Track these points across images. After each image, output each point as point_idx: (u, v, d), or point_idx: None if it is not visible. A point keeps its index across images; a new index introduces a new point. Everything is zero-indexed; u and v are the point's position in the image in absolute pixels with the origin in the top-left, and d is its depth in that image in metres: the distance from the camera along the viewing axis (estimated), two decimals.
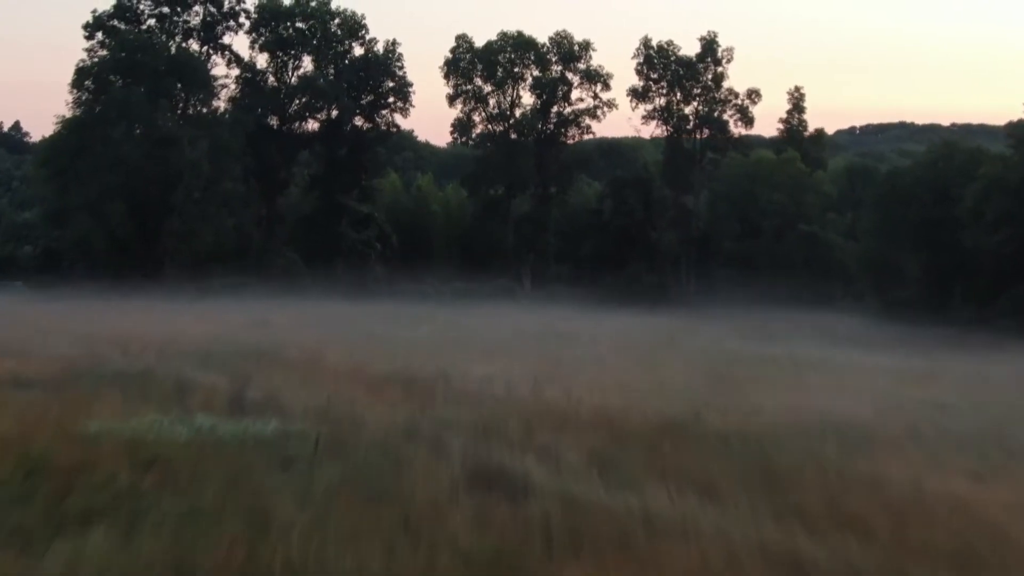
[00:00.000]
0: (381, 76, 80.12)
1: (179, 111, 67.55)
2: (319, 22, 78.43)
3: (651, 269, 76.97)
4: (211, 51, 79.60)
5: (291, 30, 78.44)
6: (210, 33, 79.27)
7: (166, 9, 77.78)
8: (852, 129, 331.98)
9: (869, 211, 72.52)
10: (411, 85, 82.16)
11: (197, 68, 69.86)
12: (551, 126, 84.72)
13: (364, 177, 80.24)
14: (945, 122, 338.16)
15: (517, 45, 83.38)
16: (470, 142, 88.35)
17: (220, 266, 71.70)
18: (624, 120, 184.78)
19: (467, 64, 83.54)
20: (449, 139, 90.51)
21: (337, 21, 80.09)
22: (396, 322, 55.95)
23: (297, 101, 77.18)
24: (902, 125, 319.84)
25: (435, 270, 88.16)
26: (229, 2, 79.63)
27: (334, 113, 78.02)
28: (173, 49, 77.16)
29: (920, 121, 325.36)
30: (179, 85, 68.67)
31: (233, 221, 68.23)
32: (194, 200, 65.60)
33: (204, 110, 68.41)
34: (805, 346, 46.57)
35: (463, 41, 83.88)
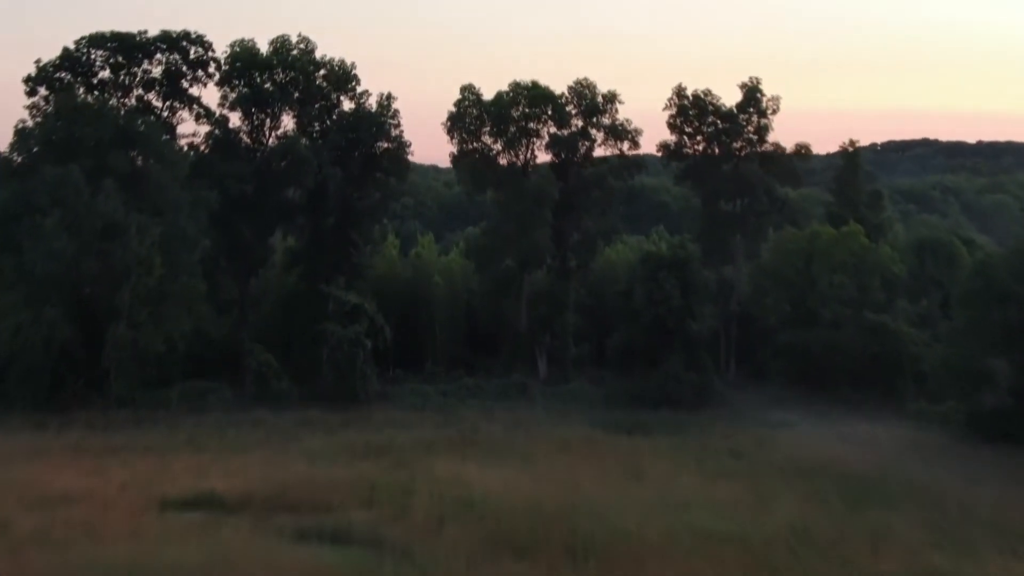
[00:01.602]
0: (374, 136, 68.55)
1: (128, 192, 55.87)
2: (301, 74, 66.85)
3: (691, 365, 65.30)
4: (176, 104, 68.45)
5: (268, 83, 66.86)
6: (174, 86, 67.92)
7: (122, 58, 66.59)
8: (873, 146, 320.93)
9: (955, 307, 60.96)
10: (409, 145, 70.70)
11: (152, 138, 58.30)
12: (571, 189, 73.08)
13: (353, 254, 68.69)
14: (971, 139, 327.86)
15: (533, 97, 71.73)
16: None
17: (180, 368, 60.39)
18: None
19: (474, 119, 71.95)
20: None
21: (323, 72, 68.51)
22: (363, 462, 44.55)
23: (275, 166, 65.51)
24: (926, 143, 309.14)
25: (438, 352, 77.04)
26: (196, 50, 68.32)
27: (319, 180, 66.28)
28: (131, 106, 66.15)
29: (944, 138, 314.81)
30: (130, 158, 57.01)
31: (192, 323, 56.65)
32: (143, 301, 54.14)
33: (159, 189, 56.68)
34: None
35: (469, 93, 72.27)
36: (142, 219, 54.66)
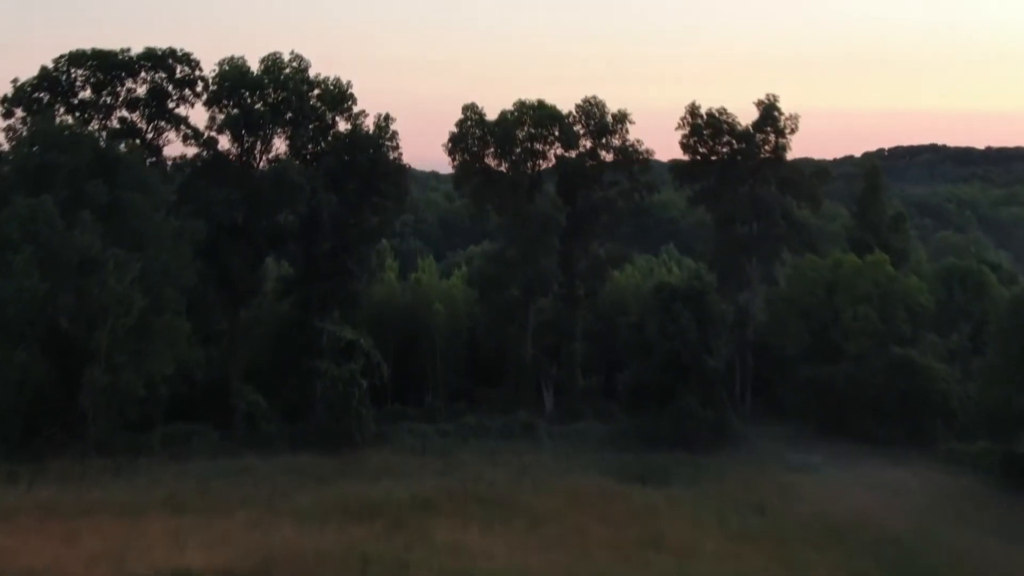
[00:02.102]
0: (371, 158, 64.75)
1: (106, 223, 52.14)
2: (294, 94, 63.03)
3: (707, 402, 61.53)
4: (162, 125, 64.83)
5: (259, 104, 63.07)
6: (159, 106, 64.25)
7: (104, 77, 62.95)
8: (880, 152, 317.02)
9: (988, 341, 57.22)
10: (407, 169, 66.84)
11: (133, 165, 54.56)
12: (578, 213, 69.33)
13: (349, 283, 64.93)
14: (979, 145, 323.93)
15: (539, 117, 67.96)
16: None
17: (163, 408, 56.69)
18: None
19: (477, 140, 68.20)
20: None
21: (317, 92, 64.72)
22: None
23: (266, 191, 61.62)
24: (933, 148, 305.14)
25: (438, 383, 73.30)
26: (182, 69, 64.63)
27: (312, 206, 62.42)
28: (113, 128, 62.50)
29: (952, 143, 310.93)
30: (109, 187, 53.19)
31: (175, 365, 52.91)
32: (122, 342, 50.42)
33: (140, 221, 52.94)
34: None
35: (472, 113, 68.51)
36: (121, 254, 50.86)
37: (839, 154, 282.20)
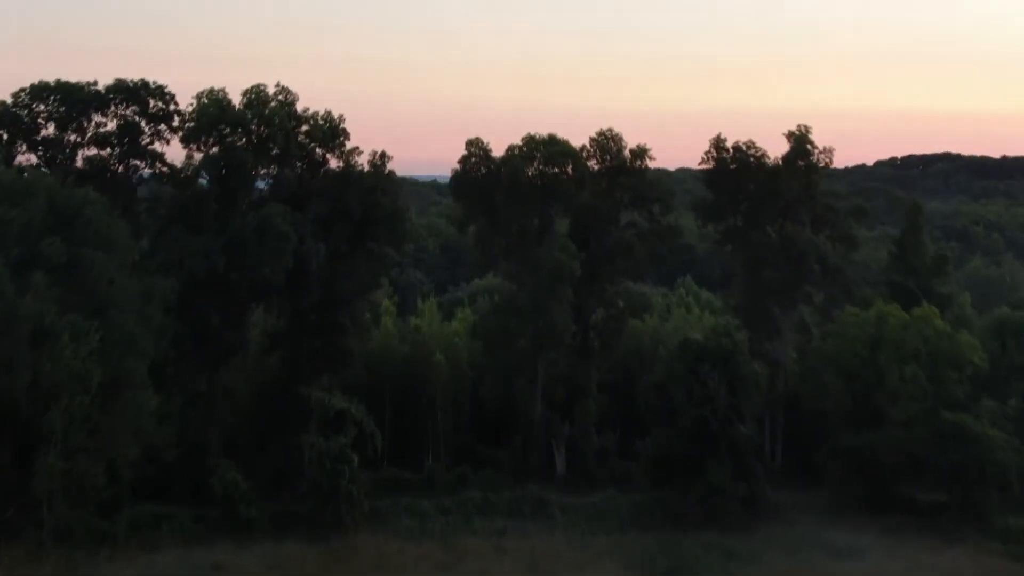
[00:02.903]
0: (364, 201, 58.58)
1: (63, 286, 46.00)
2: (280, 130, 56.84)
3: (738, 474, 55.36)
4: (134, 163, 58.93)
5: (241, 141, 56.94)
6: (131, 144, 58.27)
7: (70, 112, 57.02)
8: (893, 160, 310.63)
9: None
10: (407, 210, 60.76)
11: (94, 219, 48.38)
12: (593, 258, 63.15)
13: (340, 339, 58.82)
14: (995, 153, 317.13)
15: (550, 154, 61.76)
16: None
17: (129, 489, 50.57)
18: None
19: (482, 178, 62.03)
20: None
21: (305, 128, 58.59)
22: None
23: (248, 240, 55.43)
24: (948, 157, 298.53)
25: (439, 441, 67.13)
26: (156, 103, 58.61)
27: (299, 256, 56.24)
28: (80, 169, 56.56)
29: (967, 152, 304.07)
30: (67, 244, 47.02)
31: (140, 447, 46.80)
32: (79, 424, 44.28)
33: (101, 282, 46.81)
34: None
35: (476, 149, 62.35)
36: (79, 321, 44.73)
37: (850, 162, 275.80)
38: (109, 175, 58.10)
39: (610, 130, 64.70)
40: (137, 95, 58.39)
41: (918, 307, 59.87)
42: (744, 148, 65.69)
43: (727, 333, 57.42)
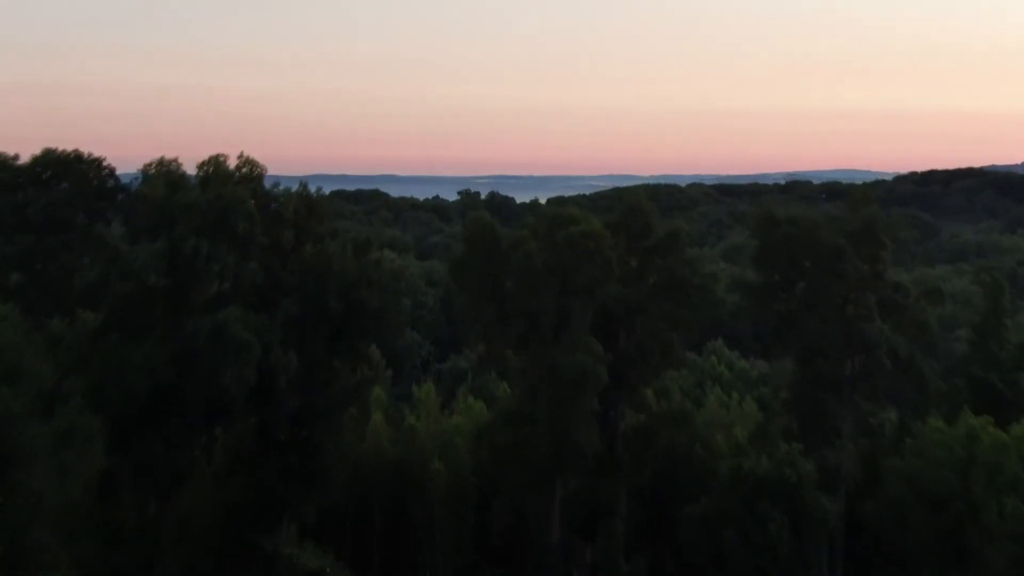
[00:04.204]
0: (346, 294, 48.35)
1: None
2: (242, 214, 46.58)
3: None
4: (68, 248, 48.83)
5: (197, 222, 46.68)
6: (62, 228, 48.16)
7: None
8: (913, 175, 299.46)
9: None
10: (400, 299, 50.56)
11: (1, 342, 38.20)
12: (620, 355, 52.89)
13: (315, 458, 48.65)
14: (1019, 165, 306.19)
15: (570, 236, 51.33)
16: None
17: None
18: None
19: (488, 264, 51.72)
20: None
21: (274, 206, 48.44)
22: None
23: (203, 348, 45.18)
24: (971, 173, 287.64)
25: (437, 563, 57.02)
26: (94, 177, 48.60)
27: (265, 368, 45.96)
28: None
29: (987, 164, 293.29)
30: None
31: None
32: None
33: (4, 427, 36.55)
34: None
35: (480, 227, 52.07)
36: None
37: (858, 165, 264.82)
38: (37, 268, 47.98)
39: (639, 201, 54.55)
40: (72, 169, 48.36)
41: (1016, 422, 49.55)
42: (799, 222, 55.36)
43: (790, 463, 47.01)
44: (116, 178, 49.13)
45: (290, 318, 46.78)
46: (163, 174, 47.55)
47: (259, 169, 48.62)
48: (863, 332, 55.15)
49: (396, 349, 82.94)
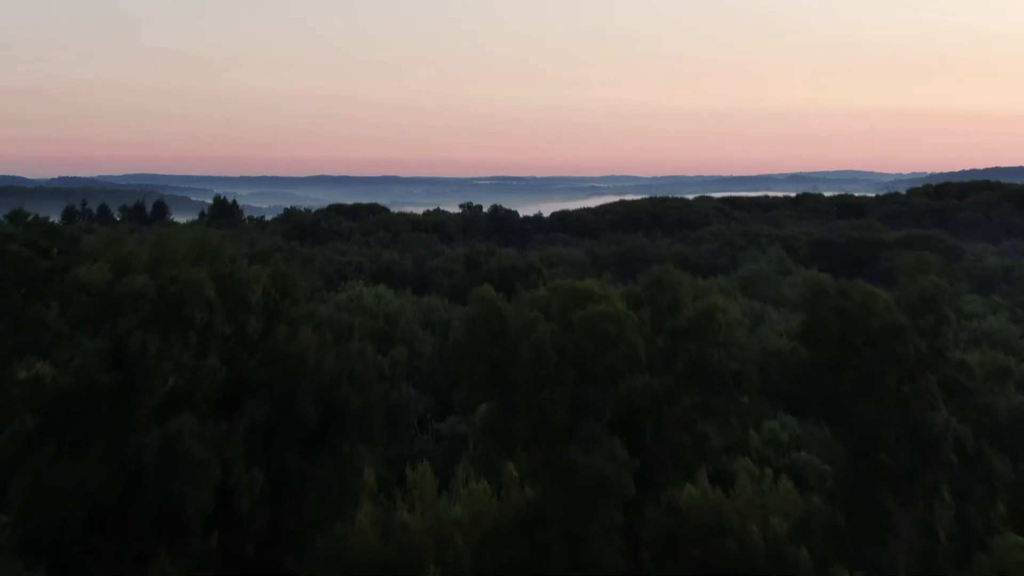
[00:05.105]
0: (325, 400, 40.86)
1: None
2: (199, 304, 39.00)
3: None
4: None
5: (144, 309, 39.21)
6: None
7: None
8: (927, 188, 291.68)
9: None
10: (386, 410, 43.16)
11: None
12: (647, 455, 45.40)
13: None
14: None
15: (586, 318, 43.89)
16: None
17: None
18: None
19: (494, 356, 44.21)
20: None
21: (239, 291, 40.88)
22: None
23: (151, 465, 37.74)
24: (988, 186, 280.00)
25: None
26: (26, 250, 41.15)
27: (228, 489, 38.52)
28: None
29: (1000, 164, 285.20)
30: None
31: None
32: None
33: None
34: None
35: (486, 306, 44.51)
36: None
37: (860, 165, 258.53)
38: None
39: (665, 269, 47.13)
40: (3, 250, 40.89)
41: None
42: (852, 295, 47.89)
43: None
44: (53, 258, 41.70)
45: (256, 425, 39.33)
46: (109, 251, 40.13)
47: (219, 240, 41.20)
48: (926, 423, 47.84)
49: (390, 407, 75.47)
